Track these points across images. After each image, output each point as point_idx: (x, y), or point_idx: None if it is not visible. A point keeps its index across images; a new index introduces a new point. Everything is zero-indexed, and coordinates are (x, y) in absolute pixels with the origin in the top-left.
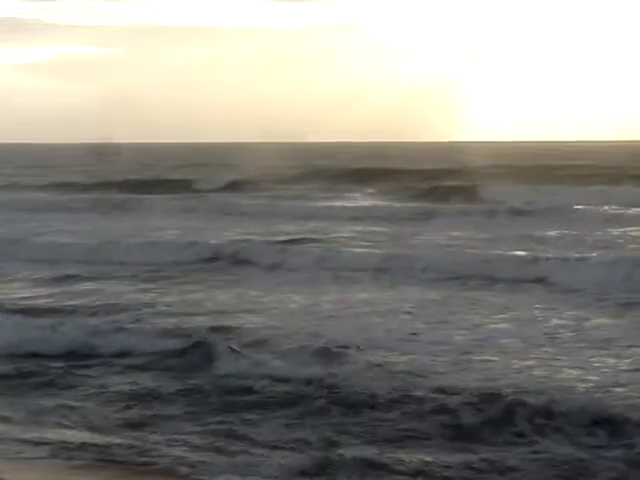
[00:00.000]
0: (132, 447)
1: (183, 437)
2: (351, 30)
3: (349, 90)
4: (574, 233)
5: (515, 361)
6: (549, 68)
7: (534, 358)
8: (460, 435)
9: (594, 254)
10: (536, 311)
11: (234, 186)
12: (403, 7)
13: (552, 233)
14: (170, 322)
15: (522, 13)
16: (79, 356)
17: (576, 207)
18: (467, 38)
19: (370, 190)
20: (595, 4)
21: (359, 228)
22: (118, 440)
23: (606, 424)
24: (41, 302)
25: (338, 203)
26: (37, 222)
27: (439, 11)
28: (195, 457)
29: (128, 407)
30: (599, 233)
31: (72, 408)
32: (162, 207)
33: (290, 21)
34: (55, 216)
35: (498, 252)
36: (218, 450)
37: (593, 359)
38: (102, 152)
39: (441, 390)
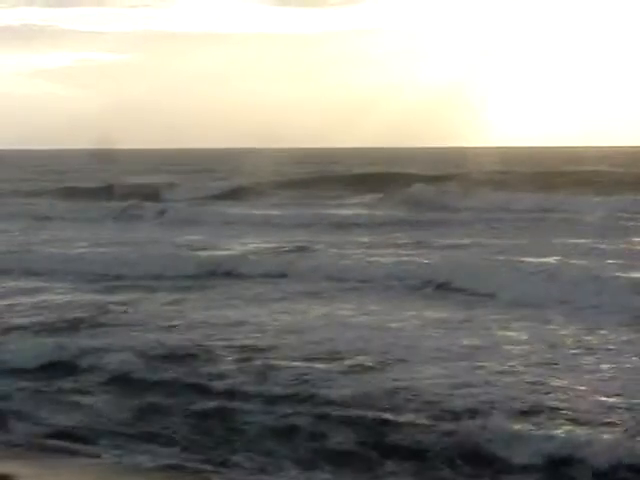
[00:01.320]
0: None
1: None
2: (368, 36)
3: (367, 96)
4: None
5: None
6: (572, 72)
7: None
8: None
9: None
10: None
11: (234, 193)
12: (420, 12)
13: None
14: None
15: (541, 18)
16: None
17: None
18: (486, 43)
19: (360, 197)
20: (614, 10)
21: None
22: None
23: None
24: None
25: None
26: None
27: (457, 16)
28: None
29: None
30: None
31: None
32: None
33: (306, 27)
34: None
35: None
36: None
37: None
38: (107, 155)
39: None
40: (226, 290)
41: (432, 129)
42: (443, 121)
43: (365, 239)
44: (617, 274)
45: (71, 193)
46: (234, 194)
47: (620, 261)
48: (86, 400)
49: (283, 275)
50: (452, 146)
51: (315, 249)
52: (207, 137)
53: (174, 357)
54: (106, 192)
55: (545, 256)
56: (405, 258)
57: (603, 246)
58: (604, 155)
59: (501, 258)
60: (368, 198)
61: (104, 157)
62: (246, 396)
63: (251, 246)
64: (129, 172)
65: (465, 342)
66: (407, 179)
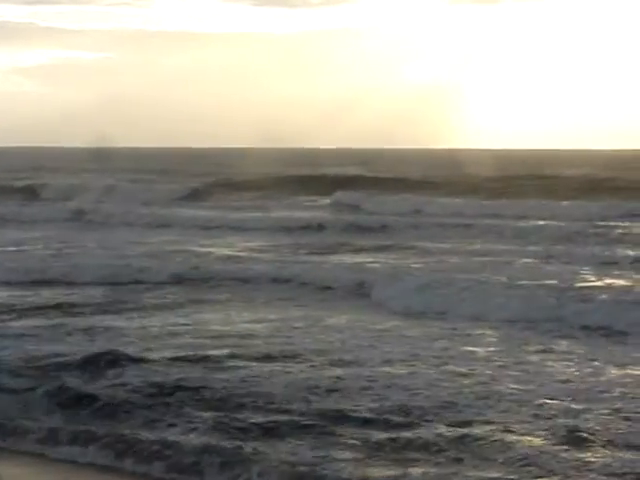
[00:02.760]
0: None
1: None
2: (349, 36)
3: (348, 96)
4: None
5: None
6: (552, 74)
7: None
8: None
9: None
10: None
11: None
12: (403, 12)
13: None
14: None
15: (524, 20)
16: None
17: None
18: (470, 44)
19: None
20: (597, 13)
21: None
22: None
23: None
24: None
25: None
26: None
27: (440, 17)
28: None
29: None
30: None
31: None
32: None
33: (286, 27)
34: None
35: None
36: None
37: None
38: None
39: None
40: None
41: (414, 130)
42: (426, 122)
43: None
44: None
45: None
46: (190, 196)
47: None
48: None
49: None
50: (434, 148)
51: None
52: (186, 136)
53: None
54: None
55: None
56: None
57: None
58: (581, 158)
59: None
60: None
61: (85, 155)
62: None
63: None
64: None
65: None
66: (365, 182)
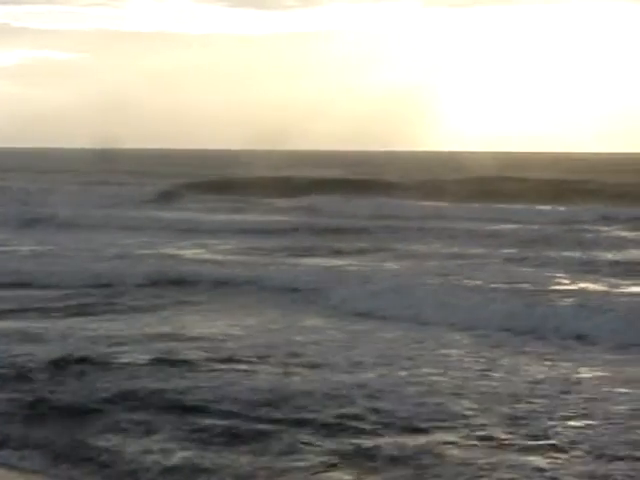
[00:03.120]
0: None
1: None
2: (324, 38)
3: (324, 98)
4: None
5: None
6: (525, 77)
7: None
8: None
9: None
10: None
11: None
12: (378, 15)
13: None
14: None
15: (498, 23)
16: None
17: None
18: (443, 47)
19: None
20: (571, 18)
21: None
22: None
23: None
24: None
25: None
26: None
27: (415, 19)
28: None
29: None
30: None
31: None
32: None
33: (260, 29)
34: None
35: None
36: None
37: None
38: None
39: None
40: None
41: (390, 133)
42: (402, 125)
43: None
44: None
45: None
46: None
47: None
48: None
49: None
50: (410, 150)
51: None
52: (160, 137)
53: None
54: None
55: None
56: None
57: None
58: (550, 161)
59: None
60: (281, 203)
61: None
62: None
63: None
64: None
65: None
66: (341, 185)
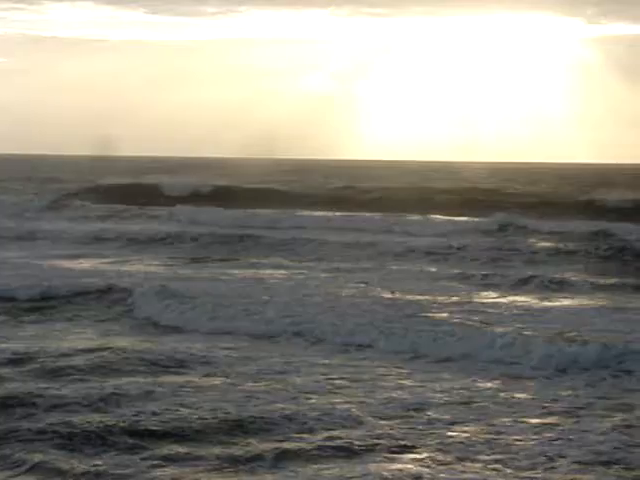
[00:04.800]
0: None
1: None
2: (246, 46)
3: (242, 106)
4: None
5: None
6: (447, 88)
7: None
8: None
9: None
10: None
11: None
12: (301, 24)
13: None
14: None
15: (421, 34)
16: None
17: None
18: (365, 56)
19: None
20: (493, 31)
21: None
22: None
23: None
24: None
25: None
26: None
27: (338, 29)
28: None
29: None
30: None
31: None
32: None
33: (181, 35)
34: None
35: None
36: None
37: None
38: None
39: None
40: None
41: (308, 141)
42: (319, 133)
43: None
44: None
45: None
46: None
47: None
48: None
49: None
50: (323, 158)
51: None
52: (70, 143)
53: None
54: None
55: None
56: None
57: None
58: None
59: None
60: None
61: None
62: None
63: None
64: None
65: None
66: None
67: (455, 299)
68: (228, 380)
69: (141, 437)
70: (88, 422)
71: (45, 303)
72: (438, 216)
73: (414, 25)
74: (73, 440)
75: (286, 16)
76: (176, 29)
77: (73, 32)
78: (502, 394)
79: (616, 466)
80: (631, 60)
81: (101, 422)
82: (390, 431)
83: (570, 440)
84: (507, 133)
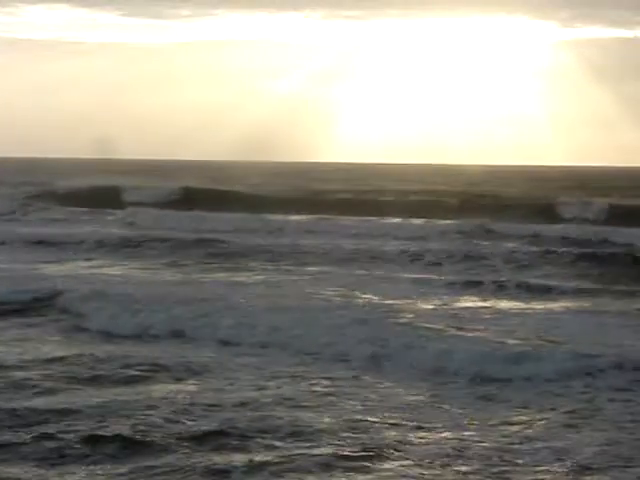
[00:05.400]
0: None
1: None
2: (221, 48)
3: (217, 108)
4: None
5: None
6: (423, 90)
7: None
8: None
9: None
10: None
11: None
12: (275, 26)
13: None
14: None
15: (396, 37)
16: None
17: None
18: (340, 59)
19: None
20: (468, 32)
21: None
22: None
23: None
24: None
25: None
26: None
27: (313, 31)
28: None
29: None
30: None
31: None
32: None
33: (157, 38)
34: None
35: None
36: None
37: None
38: None
39: None
40: None
41: (283, 143)
42: (293, 136)
43: None
44: None
45: None
46: None
47: None
48: None
49: None
50: (300, 161)
51: None
52: (53, 146)
53: None
54: None
55: None
56: None
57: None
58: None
59: None
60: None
61: None
62: None
63: None
64: None
65: None
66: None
67: (420, 303)
68: None
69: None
70: None
71: None
72: (403, 219)
73: (388, 28)
74: None
75: (261, 19)
76: (152, 32)
77: (48, 34)
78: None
79: None
80: (604, 63)
81: None
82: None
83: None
84: (481, 135)
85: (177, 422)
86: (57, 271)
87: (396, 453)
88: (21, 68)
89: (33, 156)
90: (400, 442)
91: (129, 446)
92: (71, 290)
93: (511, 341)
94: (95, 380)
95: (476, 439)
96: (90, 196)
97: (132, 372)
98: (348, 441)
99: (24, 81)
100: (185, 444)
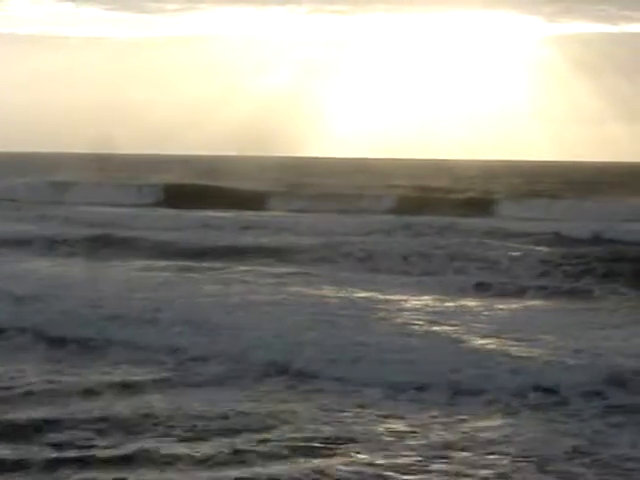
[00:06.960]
0: None
1: None
2: (206, 43)
3: (202, 103)
4: None
5: None
6: (409, 85)
7: None
8: None
9: None
10: None
11: None
12: (261, 21)
13: None
14: None
15: (381, 31)
16: None
17: None
18: (326, 53)
19: None
20: (454, 27)
21: None
22: None
23: None
24: None
25: None
26: None
27: (299, 26)
28: None
29: None
30: None
31: None
32: None
33: (142, 32)
34: None
35: None
36: None
37: None
38: None
39: None
40: None
41: (272, 137)
42: (284, 130)
43: None
44: None
45: None
46: None
47: None
48: None
49: None
50: (288, 155)
51: None
52: (37, 141)
53: None
54: None
55: None
56: None
57: None
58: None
59: None
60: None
61: None
62: None
63: None
64: None
65: None
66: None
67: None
68: None
69: None
70: None
71: None
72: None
73: (375, 22)
74: None
75: (247, 13)
76: (137, 26)
77: (33, 29)
78: None
79: None
80: (589, 58)
81: None
82: None
83: None
84: (466, 130)
85: None
86: None
87: None
88: (4, 62)
89: (11, 150)
90: None
91: None
92: None
93: None
94: None
95: None
96: None
97: None
98: None
99: (7, 76)
100: None
